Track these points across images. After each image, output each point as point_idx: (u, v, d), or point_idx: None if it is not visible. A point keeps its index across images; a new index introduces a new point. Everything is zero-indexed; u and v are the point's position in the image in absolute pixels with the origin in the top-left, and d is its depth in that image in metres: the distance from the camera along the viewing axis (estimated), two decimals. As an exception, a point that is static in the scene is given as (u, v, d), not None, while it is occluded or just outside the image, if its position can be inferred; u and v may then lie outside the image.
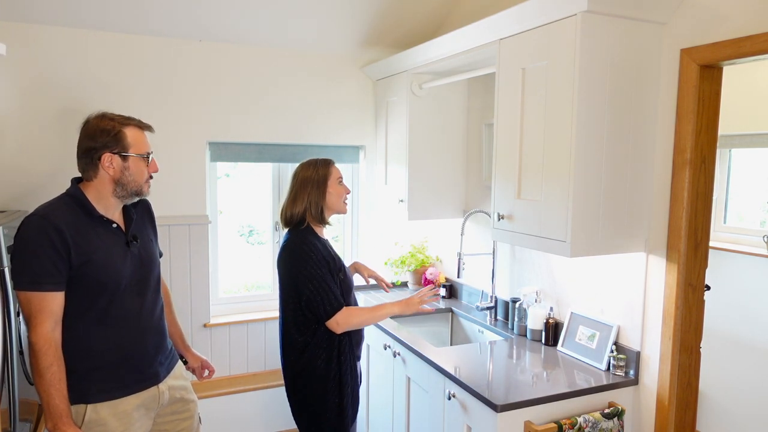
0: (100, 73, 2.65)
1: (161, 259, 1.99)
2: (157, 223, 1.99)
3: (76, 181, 1.74)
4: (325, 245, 2.12)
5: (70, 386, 1.63)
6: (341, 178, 2.16)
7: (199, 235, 2.88)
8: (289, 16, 2.80)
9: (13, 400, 1.73)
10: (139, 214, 1.87)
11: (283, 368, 2.15)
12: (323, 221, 2.12)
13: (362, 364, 2.85)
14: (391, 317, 2.81)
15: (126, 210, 1.81)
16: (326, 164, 2.14)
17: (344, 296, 2.08)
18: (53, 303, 1.59)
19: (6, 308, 1.68)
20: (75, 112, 2.61)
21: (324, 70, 3.13)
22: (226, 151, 2.99)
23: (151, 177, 1.78)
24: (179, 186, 2.84)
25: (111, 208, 1.74)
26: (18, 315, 1.79)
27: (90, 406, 1.66)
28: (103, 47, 2.64)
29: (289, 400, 2.16)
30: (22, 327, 1.84)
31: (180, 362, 2.00)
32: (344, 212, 2.19)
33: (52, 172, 2.58)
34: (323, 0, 2.75)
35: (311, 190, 2.09)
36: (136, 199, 1.81)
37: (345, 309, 2.02)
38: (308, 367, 2.05)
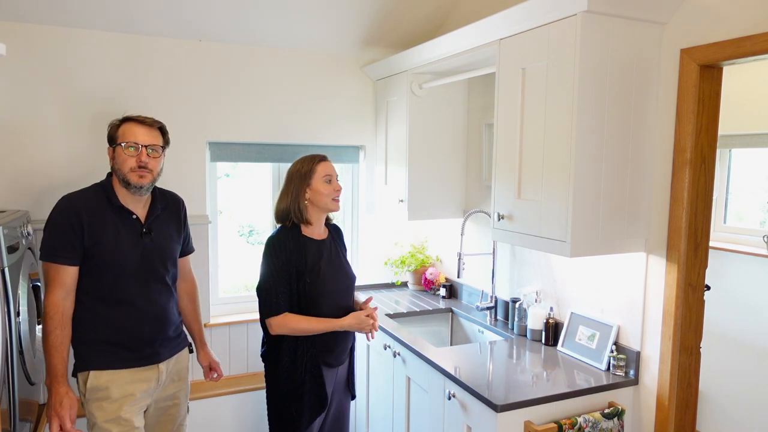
0: (100, 74, 2.64)
1: (192, 255, 2.23)
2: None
3: (109, 174, 1.93)
4: (303, 245, 2.05)
5: (78, 354, 1.84)
6: (329, 176, 2.08)
7: (199, 235, 2.88)
8: (288, 16, 2.80)
9: (13, 400, 1.74)
10: (168, 211, 2.03)
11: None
12: (303, 220, 2.07)
13: (362, 364, 2.87)
14: (390, 317, 2.81)
15: (153, 205, 1.97)
16: (313, 160, 2.10)
17: (308, 301, 2.02)
18: (66, 275, 1.79)
19: (6, 308, 1.68)
20: (74, 112, 2.61)
21: (324, 70, 3.13)
22: (226, 151, 2.99)
23: (142, 167, 1.86)
24: (179, 186, 2.81)
25: (129, 200, 1.90)
26: (18, 315, 1.80)
27: (92, 373, 1.83)
28: (103, 47, 2.64)
29: None
30: (22, 327, 1.85)
31: (185, 350, 2.12)
32: (335, 210, 2.12)
33: (52, 172, 2.58)
34: (323, 0, 2.75)
35: (294, 185, 2.08)
36: (140, 191, 1.89)
37: (283, 315, 1.99)
38: (265, 355, 2.10)
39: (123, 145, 1.85)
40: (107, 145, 1.93)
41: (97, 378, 1.83)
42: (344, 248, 2.27)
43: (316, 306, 2.03)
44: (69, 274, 1.79)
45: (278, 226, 2.12)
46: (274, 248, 2.03)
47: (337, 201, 2.10)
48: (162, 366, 1.96)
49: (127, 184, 1.86)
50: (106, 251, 1.82)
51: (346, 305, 2.15)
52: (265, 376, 2.12)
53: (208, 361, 2.28)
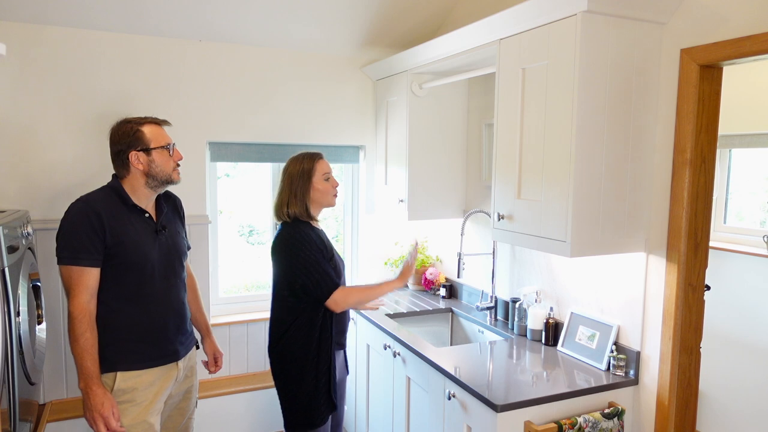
0: (100, 74, 2.64)
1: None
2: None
3: (115, 176, 1.95)
4: (318, 234, 2.17)
5: (103, 356, 1.82)
6: (328, 173, 2.19)
7: (199, 235, 2.88)
8: (289, 17, 2.80)
9: (13, 400, 1.74)
10: (170, 208, 2.08)
11: (268, 353, 2.22)
12: (309, 217, 2.17)
13: (362, 363, 2.87)
14: (390, 317, 2.81)
15: (158, 203, 2.02)
16: (311, 159, 2.18)
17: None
18: (90, 277, 1.79)
19: (6, 308, 1.68)
20: (74, 112, 2.61)
21: (324, 70, 3.13)
22: (226, 151, 2.99)
23: (178, 165, 1.98)
24: (179, 186, 2.80)
25: (144, 199, 1.94)
26: (18, 315, 1.80)
27: (119, 375, 1.84)
28: (103, 47, 2.64)
29: (275, 385, 2.21)
30: (22, 327, 1.85)
31: (194, 347, 2.16)
32: (333, 205, 2.23)
33: (53, 172, 2.58)
34: (323, 0, 2.75)
35: (297, 185, 2.14)
36: (168, 187, 1.99)
37: (341, 288, 2.09)
38: (286, 349, 2.13)
39: (166, 147, 1.93)
40: (126, 151, 1.88)
41: (124, 380, 1.84)
42: None
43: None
44: (93, 276, 1.79)
45: (287, 222, 2.15)
46: (303, 241, 2.08)
47: (336, 196, 2.22)
48: (180, 363, 2.00)
49: (167, 183, 1.95)
50: (129, 250, 1.84)
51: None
52: (283, 371, 2.14)
53: (213, 350, 2.31)
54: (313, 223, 2.21)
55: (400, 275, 2.25)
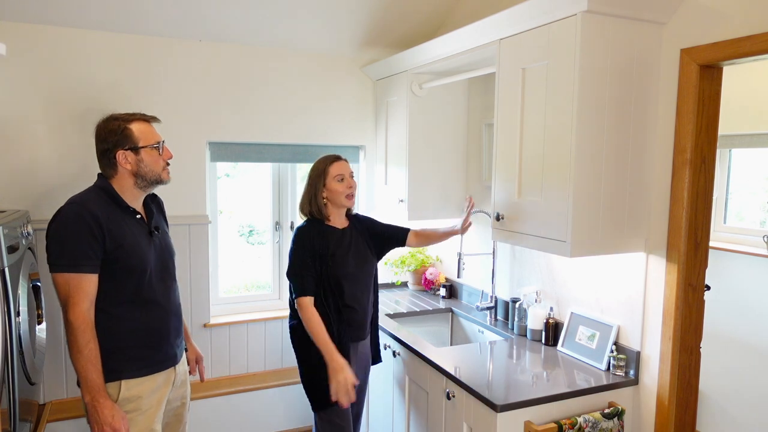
0: (100, 73, 2.65)
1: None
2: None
3: (102, 176, 1.83)
4: (325, 233, 2.25)
5: (106, 365, 1.72)
6: (341, 175, 2.25)
7: (199, 235, 2.88)
8: (289, 16, 2.80)
9: (13, 400, 1.74)
10: (156, 209, 2.01)
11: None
12: (322, 215, 2.26)
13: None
14: (390, 317, 2.81)
15: (146, 204, 1.93)
16: (326, 161, 2.28)
17: (331, 281, 2.21)
18: (89, 284, 1.69)
19: (6, 308, 1.68)
20: (74, 112, 2.61)
21: (324, 70, 3.13)
22: (226, 151, 2.99)
23: (167, 164, 1.88)
24: (179, 186, 2.83)
25: (133, 200, 1.85)
26: (18, 315, 1.80)
27: (124, 383, 1.76)
28: (103, 47, 2.64)
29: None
30: (23, 327, 1.85)
31: (185, 349, 2.14)
32: (348, 206, 2.30)
33: (52, 171, 2.58)
34: (323, 1, 2.75)
35: (312, 186, 2.27)
36: (158, 187, 1.90)
37: (311, 305, 2.16)
38: (294, 334, 2.30)
39: (156, 146, 1.82)
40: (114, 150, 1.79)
41: (128, 389, 1.76)
42: (369, 231, 2.42)
43: (339, 286, 2.22)
44: (93, 283, 1.69)
45: (306, 219, 2.30)
46: (300, 237, 2.23)
47: (351, 197, 2.28)
48: (178, 368, 1.94)
49: (157, 183, 1.86)
50: (129, 253, 1.75)
51: (363, 286, 2.32)
52: (296, 354, 2.31)
53: (195, 354, 2.22)
54: (327, 222, 2.28)
55: (341, 367, 2.07)
